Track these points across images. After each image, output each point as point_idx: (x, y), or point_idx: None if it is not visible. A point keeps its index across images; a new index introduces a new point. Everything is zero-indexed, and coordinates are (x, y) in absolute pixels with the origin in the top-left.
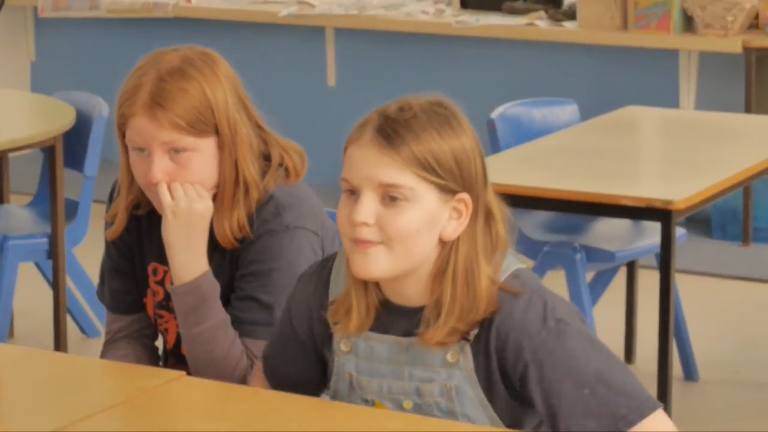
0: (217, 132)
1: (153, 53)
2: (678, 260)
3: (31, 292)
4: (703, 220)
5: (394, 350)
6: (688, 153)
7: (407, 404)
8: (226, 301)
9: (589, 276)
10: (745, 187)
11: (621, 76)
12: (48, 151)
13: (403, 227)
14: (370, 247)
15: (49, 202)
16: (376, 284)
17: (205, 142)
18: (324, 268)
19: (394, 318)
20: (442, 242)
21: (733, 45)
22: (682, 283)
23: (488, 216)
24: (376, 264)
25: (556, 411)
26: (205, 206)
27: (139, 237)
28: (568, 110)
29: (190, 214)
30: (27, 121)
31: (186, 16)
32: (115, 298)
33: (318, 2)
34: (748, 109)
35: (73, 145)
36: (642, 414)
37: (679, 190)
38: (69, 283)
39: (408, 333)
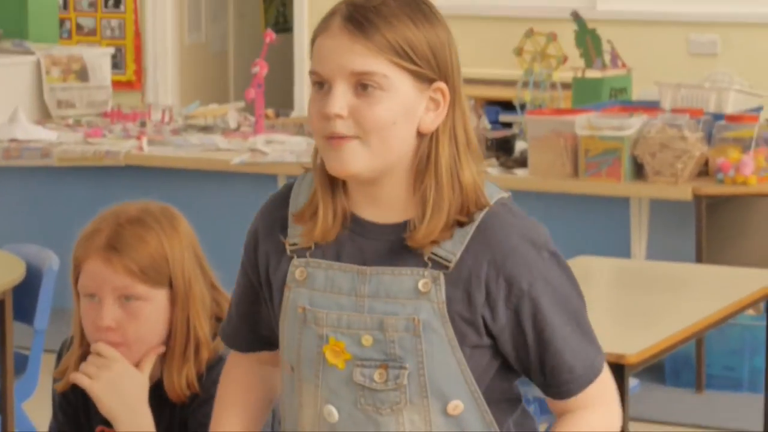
0: (170, 285)
1: (115, 205)
2: (631, 408)
3: None
4: (656, 366)
5: (356, 281)
6: (640, 305)
7: (366, 340)
8: None
9: (543, 428)
10: None
11: (573, 223)
12: None
13: (378, 118)
14: (345, 143)
15: None
16: (345, 196)
17: (158, 293)
18: (282, 194)
19: (365, 239)
20: (420, 135)
21: (684, 192)
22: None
23: (462, 113)
24: (353, 159)
25: (547, 344)
26: (120, 366)
27: (85, 398)
28: None
29: (112, 381)
30: None
31: (138, 164)
32: None
33: (270, 150)
34: (699, 257)
35: (22, 298)
36: (603, 362)
37: (632, 344)
38: None
39: (379, 255)
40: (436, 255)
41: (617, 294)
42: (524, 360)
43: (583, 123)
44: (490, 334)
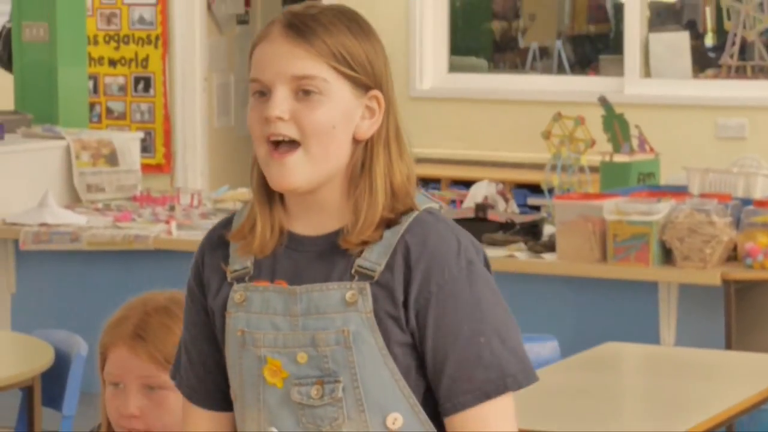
0: None
1: (143, 294)
2: None
3: None
4: None
5: (289, 301)
6: (669, 392)
7: (301, 357)
8: None
9: None
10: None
11: (601, 308)
12: (26, 390)
13: (319, 121)
14: (288, 156)
15: None
16: (282, 210)
17: None
18: (225, 222)
19: (299, 253)
20: (355, 143)
21: (712, 277)
22: None
23: (395, 122)
24: (295, 172)
25: (447, 353)
26: None
27: None
28: (549, 347)
29: None
30: (5, 361)
31: (167, 248)
32: None
33: None
34: (728, 342)
35: (51, 384)
36: (527, 379)
37: None
38: None
39: (311, 268)
40: (361, 267)
41: (647, 381)
42: (429, 365)
43: (611, 208)
44: (412, 334)
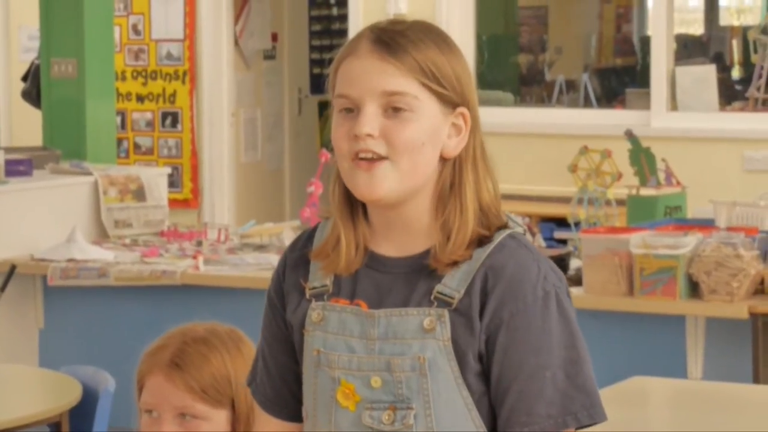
0: (232, 407)
1: (184, 325)
2: None
3: None
4: None
5: (366, 324)
6: (697, 426)
7: (375, 382)
8: None
9: None
10: None
11: (628, 342)
12: (54, 426)
13: (409, 138)
14: (376, 165)
15: None
16: (364, 232)
17: (218, 414)
18: (306, 236)
19: (381, 274)
20: (442, 161)
21: (739, 311)
22: None
23: (480, 139)
24: (383, 182)
25: (510, 384)
26: None
27: None
28: None
29: None
30: (33, 397)
31: (194, 283)
32: None
33: None
34: (755, 376)
35: (79, 420)
36: (591, 417)
37: None
38: None
39: (393, 290)
40: (441, 293)
41: (674, 415)
42: (492, 392)
43: (637, 242)
44: (481, 360)
